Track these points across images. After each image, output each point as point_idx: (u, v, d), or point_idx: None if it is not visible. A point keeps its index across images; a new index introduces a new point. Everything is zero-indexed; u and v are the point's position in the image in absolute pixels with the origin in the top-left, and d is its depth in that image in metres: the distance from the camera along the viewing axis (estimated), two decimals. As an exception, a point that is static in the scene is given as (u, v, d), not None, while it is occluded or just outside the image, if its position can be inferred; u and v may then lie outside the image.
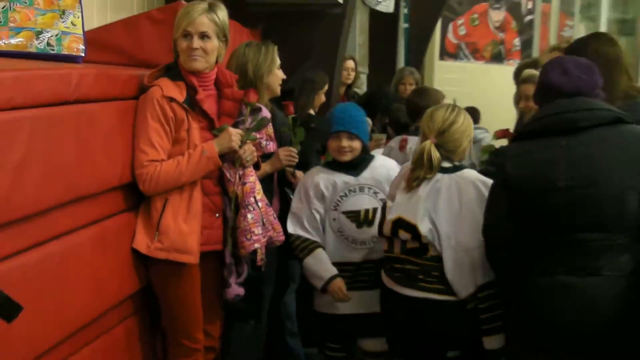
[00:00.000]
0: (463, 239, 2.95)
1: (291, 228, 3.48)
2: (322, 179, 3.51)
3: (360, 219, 3.47)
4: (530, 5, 11.35)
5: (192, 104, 3.00)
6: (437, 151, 3.01)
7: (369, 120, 5.34)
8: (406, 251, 3.07)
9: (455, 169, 3.05)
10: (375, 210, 3.44)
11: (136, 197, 2.98)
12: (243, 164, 3.11)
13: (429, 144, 3.02)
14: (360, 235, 3.48)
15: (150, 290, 3.04)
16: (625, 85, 3.01)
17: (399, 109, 4.91)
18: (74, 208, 2.55)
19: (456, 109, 3.12)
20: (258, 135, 3.23)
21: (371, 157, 3.59)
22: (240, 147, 3.07)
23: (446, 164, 3.06)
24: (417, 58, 9.10)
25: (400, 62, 8.85)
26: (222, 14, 3.06)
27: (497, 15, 11.20)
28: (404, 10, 8.87)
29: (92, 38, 3.27)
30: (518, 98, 5.79)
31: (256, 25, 4.51)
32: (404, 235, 3.06)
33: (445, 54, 10.98)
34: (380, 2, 7.73)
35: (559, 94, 2.67)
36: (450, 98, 10.20)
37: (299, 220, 3.50)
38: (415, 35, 9.03)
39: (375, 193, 3.48)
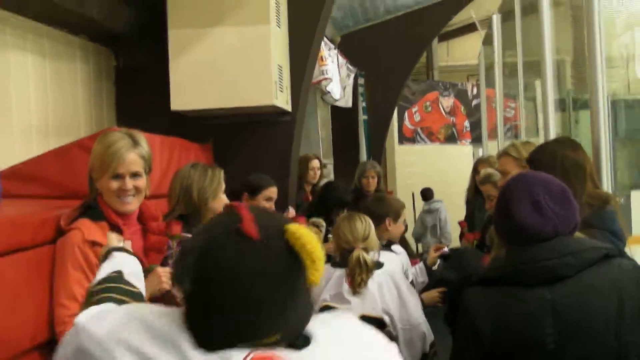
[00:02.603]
0: (409, 318, 2.94)
1: None
2: None
3: None
4: (475, 91, 11.10)
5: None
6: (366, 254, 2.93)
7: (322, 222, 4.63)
8: None
9: (379, 265, 2.97)
10: None
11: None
12: (178, 304, 2.43)
13: (359, 251, 2.90)
14: None
15: None
16: (590, 192, 2.32)
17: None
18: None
19: (362, 216, 3.05)
20: (193, 268, 2.52)
21: None
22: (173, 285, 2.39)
23: None
24: (377, 145, 8.89)
25: (363, 150, 8.51)
26: (145, 143, 2.40)
27: (447, 102, 11.06)
28: (362, 104, 8.59)
29: (19, 171, 2.66)
30: (472, 188, 5.20)
31: (207, 140, 3.90)
32: None
33: (403, 139, 10.59)
34: (338, 99, 7.31)
35: (533, 239, 1.85)
36: (410, 178, 9.90)
37: None
38: (374, 125, 8.77)
39: None
